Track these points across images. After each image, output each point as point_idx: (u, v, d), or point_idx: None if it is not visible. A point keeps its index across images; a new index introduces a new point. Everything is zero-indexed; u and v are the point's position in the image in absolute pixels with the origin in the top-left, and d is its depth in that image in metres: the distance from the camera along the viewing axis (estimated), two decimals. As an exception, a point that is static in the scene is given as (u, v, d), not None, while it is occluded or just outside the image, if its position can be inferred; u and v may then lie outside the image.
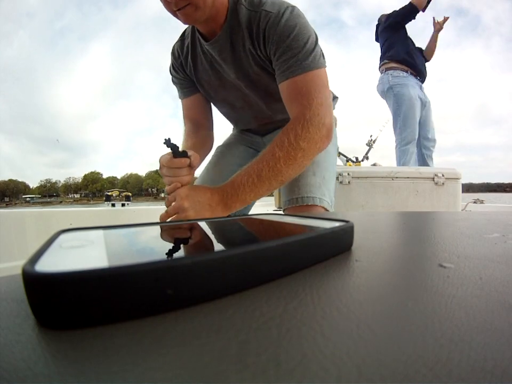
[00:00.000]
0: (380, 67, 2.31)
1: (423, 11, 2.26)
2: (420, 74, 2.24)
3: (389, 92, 2.20)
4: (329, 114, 0.66)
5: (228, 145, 1.00)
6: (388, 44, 2.26)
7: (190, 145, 0.82)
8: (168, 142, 0.60)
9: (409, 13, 2.20)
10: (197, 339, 0.08)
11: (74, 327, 0.08)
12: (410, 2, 2.18)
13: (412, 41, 2.29)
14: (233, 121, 1.00)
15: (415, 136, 2.14)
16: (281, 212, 0.79)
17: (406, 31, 2.28)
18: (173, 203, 0.61)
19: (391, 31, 2.25)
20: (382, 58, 2.29)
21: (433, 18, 2.33)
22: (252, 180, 0.62)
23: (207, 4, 0.65)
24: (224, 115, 0.97)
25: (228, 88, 0.83)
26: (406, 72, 2.17)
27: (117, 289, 0.09)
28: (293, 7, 0.69)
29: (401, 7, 2.23)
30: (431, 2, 2.24)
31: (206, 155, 0.91)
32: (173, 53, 0.87)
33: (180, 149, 0.63)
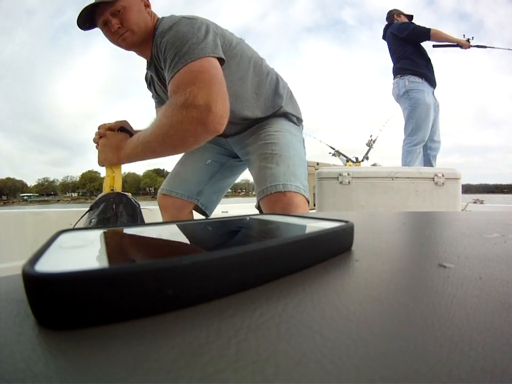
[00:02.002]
0: (394, 73, 2.28)
1: (433, 46, 2.32)
2: (434, 84, 2.25)
3: (404, 95, 2.19)
4: (204, 96, 0.64)
5: None
6: (402, 53, 2.24)
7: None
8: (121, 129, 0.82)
9: (421, 37, 2.21)
10: (197, 339, 0.08)
11: (74, 327, 0.09)
12: (429, 30, 2.17)
13: (425, 50, 2.28)
14: None
15: (425, 139, 2.16)
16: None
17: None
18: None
19: (405, 43, 2.23)
20: (400, 69, 2.24)
21: (468, 39, 2.32)
22: (135, 140, 0.74)
23: (141, 28, 0.79)
24: None
25: None
26: (422, 78, 2.17)
27: (117, 289, 0.09)
28: (177, 19, 0.76)
29: (419, 27, 2.20)
30: (442, 48, 2.29)
31: None
32: (145, 78, 1.01)
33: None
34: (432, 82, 2.23)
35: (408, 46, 2.23)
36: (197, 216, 1.11)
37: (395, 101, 2.32)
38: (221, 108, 0.66)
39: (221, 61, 0.73)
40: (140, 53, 0.87)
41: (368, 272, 0.13)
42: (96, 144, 0.83)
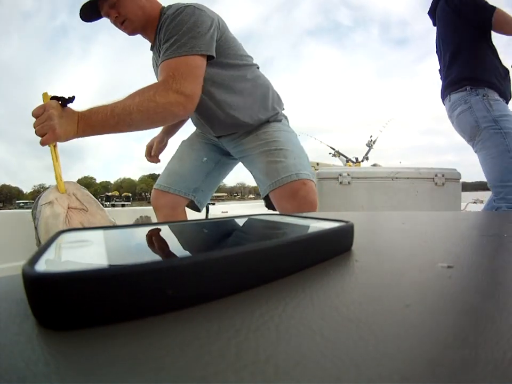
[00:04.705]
0: (451, 81, 1.26)
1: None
2: (509, 99, 1.25)
3: (490, 127, 1.14)
4: (191, 88, 0.78)
5: (190, 142, 1.13)
6: (464, 45, 1.18)
7: None
8: (56, 97, 0.71)
9: (483, 22, 1.17)
10: (197, 339, 0.08)
11: (74, 327, 0.08)
12: (494, 10, 1.11)
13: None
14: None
15: None
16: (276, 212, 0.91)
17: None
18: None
19: (468, 24, 1.19)
20: (464, 75, 1.22)
21: None
22: (106, 112, 0.72)
23: (138, 15, 0.88)
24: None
25: None
26: (498, 94, 1.19)
27: (116, 289, 0.09)
28: (185, 6, 0.84)
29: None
30: None
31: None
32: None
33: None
34: (507, 97, 1.23)
35: (475, 32, 1.19)
36: (189, 212, 1.14)
37: (460, 136, 1.28)
38: (197, 101, 0.81)
39: (210, 57, 0.84)
40: (145, 35, 0.94)
41: (368, 272, 0.13)
42: (36, 121, 0.68)
